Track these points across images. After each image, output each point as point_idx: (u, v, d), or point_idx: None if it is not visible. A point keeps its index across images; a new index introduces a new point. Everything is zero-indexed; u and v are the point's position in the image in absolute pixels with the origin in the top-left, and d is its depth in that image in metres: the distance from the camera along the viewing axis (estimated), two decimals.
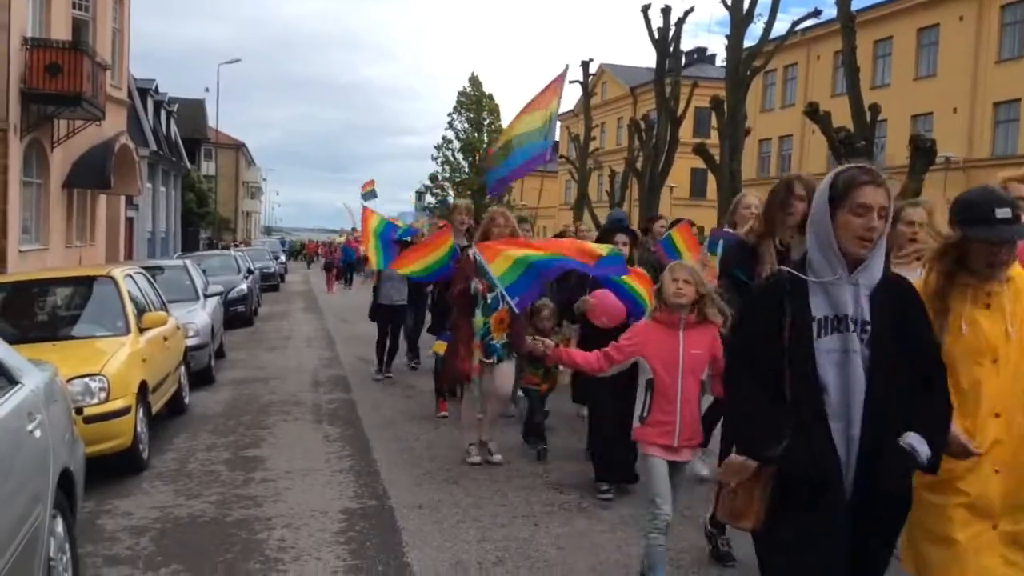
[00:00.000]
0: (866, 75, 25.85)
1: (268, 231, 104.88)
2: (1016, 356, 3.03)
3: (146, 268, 10.71)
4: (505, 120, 66.37)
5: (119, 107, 26.17)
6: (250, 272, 21.86)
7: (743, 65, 21.99)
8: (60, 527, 4.17)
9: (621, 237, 6.57)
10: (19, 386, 4.09)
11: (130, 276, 8.88)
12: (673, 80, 27.53)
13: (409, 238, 11.26)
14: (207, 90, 70.76)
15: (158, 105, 39.81)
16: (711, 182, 28.86)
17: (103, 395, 6.63)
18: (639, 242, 7.27)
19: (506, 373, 7.03)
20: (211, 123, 54.85)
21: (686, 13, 27.58)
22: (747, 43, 22.69)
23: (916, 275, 3.26)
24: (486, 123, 67.95)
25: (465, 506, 6.02)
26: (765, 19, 22.82)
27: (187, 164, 45.12)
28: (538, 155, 7.95)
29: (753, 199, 5.91)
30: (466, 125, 68.32)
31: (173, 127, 43.31)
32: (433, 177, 69.79)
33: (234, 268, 20.82)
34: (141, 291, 8.98)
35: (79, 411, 6.12)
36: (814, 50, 41.42)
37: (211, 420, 9.08)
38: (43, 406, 4.26)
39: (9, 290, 8.71)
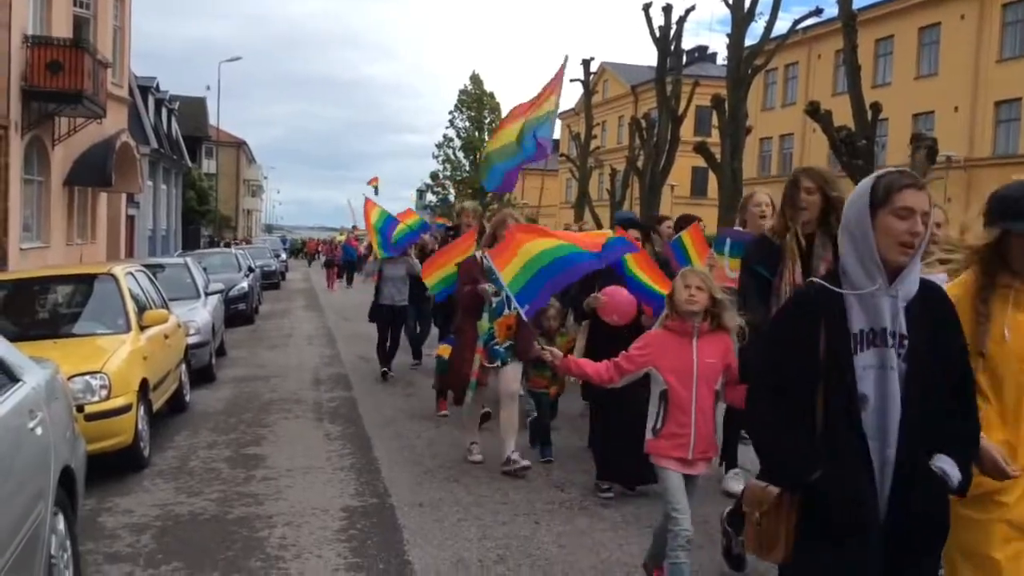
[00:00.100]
0: (867, 74, 25.84)
1: (269, 229, 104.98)
2: None
3: (147, 266, 10.71)
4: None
5: (120, 105, 26.17)
6: (251, 270, 21.87)
7: (744, 64, 21.96)
8: (61, 524, 4.17)
9: (633, 232, 6.51)
10: (20, 384, 4.09)
11: (131, 274, 8.88)
12: (674, 79, 27.51)
13: (422, 235, 11.28)
14: (208, 88, 70.67)
15: (159, 103, 39.82)
16: (712, 181, 28.82)
17: (104, 393, 6.63)
18: (650, 237, 7.12)
19: (510, 374, 6.90)
20: (212, 121, 54.89)
21: (687, 11, 27.55)
22: (748, 42, 22.66)
23: (940, 280, 3.07)
24: (487, 121, 67.91)
25: (466, 504, 6.02)
26: (766, 18, 22.80)
27: (188, 162, 45.14)
28: (535, 149, 7.95)
29: (763, 196, 5.83)
30: (467, 123, 68.34)
31: (174, 125, 43.32)
32: (434, 175, 69.83)
33: (235, 266, 20.84)
34: (142, 289, 8.98)
35: (80, 409, 6.12)
36: (815, 49, 41.39)
37: (212, 418, 9.08)
38: (44, 404, 4.26)
39: (10, 288, 8.71)
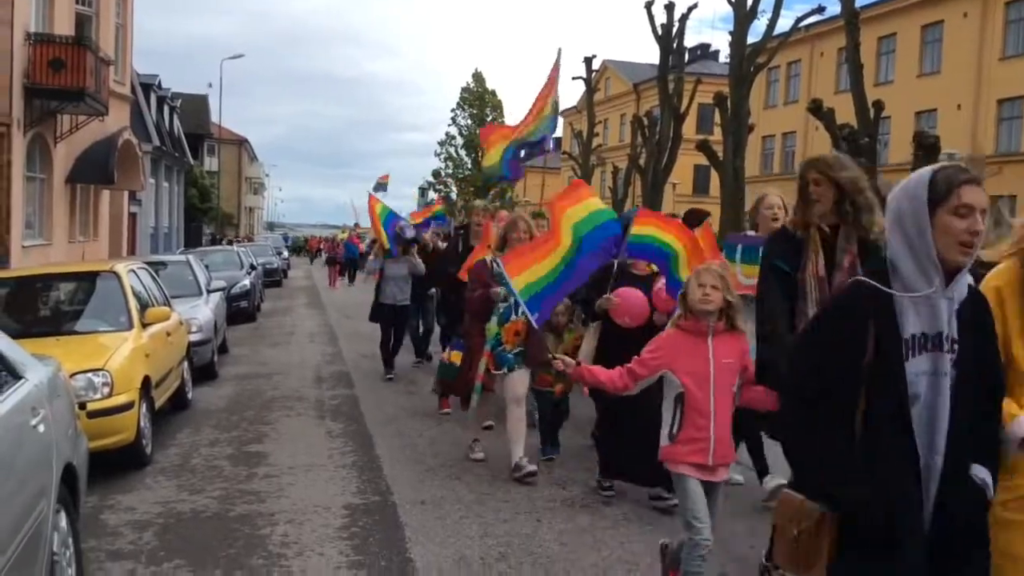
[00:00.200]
0: (870, 72, 25.84)
1: (271, 227, 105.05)
2: None
3: (149, 263, 10.72)
4: (508, 117, 66.40)
5: (122, 102, 26.17)
6: (253, 268, 21.88)
7: (746, 62, 21.95)
8: (63, 522, 4.17)
9: None
10: (23, 381, 4.10)
11: (133, 271, 8.88)
12: (676, 76, 27.51)
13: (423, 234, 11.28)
14: (210, 85, 70.47)
15: (161, 100, 39.86)
16: (714, 179, 28.83)
17: (106, 390, 6.63)
18: None
19: (517, 379, 6.72)
20: (214, 119, 54.91)
21: (689, 9, 27.55)
22: (750, 39, 22.67)
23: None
24: (489, 119, 67.93)
25: (468, 502, 6.02)
26: (769, 15, 22.85)
27: (190, 160, 45.20)
28: (539, 143, 7.97)
29: (775, 198, 5.67)
30: (469, 121, 68.39)
31: (176, 122, 43.37)
32: (436, 173, 69.93)
33: (237, 264, 20.85)
34: (144, 286, 8.98)
35: (82, 406, 6.11)
36: (818, 47, 41.34)
37: (214, 415, 9.09)
38: (46, 401, 4.26)
39: (12, 285, 8.71)
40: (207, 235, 48.35)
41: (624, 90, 59.80)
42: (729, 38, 22.78)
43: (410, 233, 11.02)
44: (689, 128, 30.58)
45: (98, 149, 23.13)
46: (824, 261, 4.09)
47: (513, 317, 6.64)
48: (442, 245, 11.47)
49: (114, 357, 6.98)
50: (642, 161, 29.74)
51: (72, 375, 5.99)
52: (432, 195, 68.27)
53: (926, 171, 2.48)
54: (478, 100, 68.64)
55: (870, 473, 2.35)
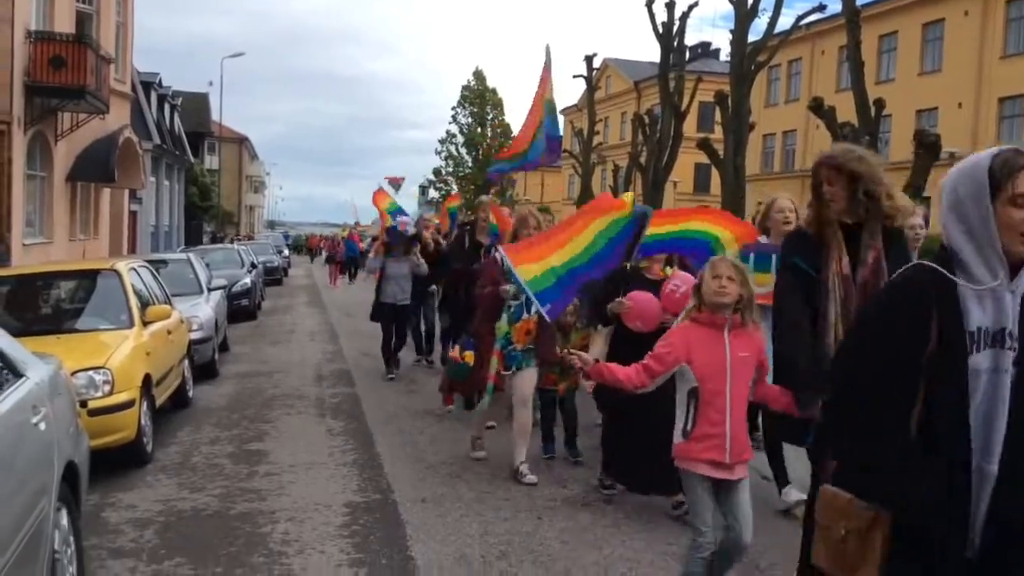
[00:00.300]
0: (871, 70, 25.82)
1: (271, 225, 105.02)
2: None
3: (150, 262, 10.72)
4: (508, 115, 66.49)
5: (123, 100, 26.17)
6: (253, 266, 21.88)
7: (747, 60, 21.91)
8: (65, 520, 4.17)
9: None
10: (24, 379, 4.10)
11: (134, 269, 8.89)
12: (677, 75, 27.46)
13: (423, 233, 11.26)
14: (211, 84, 70.60)
15: (162, 99, 39.84)
16: (715, 177, 28.80)
17: (107, 388, 6.64)
18: None
19: (526, 379, 6.62)
20: (215, 117, 54.90)
21: (690, 8, 27.49)
22: (751, 38, 22.61)
23: None
24: (489, 117, 68.00)
25: (468, 500, 6.02)
26: (769, 14, 22.75)
27: (190, 158, 45.18)
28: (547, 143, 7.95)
29: (786, 201, 5.57)
30: (469, 119, 68.40)
31: (177, 121, 43.36)
32: (437, 171, 69.94)
33: (238, 262, 20.84)
34: (145, 285, 8.98)
35: (83, 404, 6.12)
36: (819, 45, 41.31)
37: (215, 414, 9.09)
38: (47, 399, 4.26)
39: (13, 283, 8.72)
40: (208, 233, 48.32)
41: (625, 88, 59.76)
42: (730, 36, 22.74)
43: (411, 231, 11.02)
44: (690, 126, 30.53)
45: (99, 147, 23.13)
46: (848, 259, 3.89)
47: (524, 316, 6.53)
48: (443, 242, 11.47)
49: (115, 355, 6.98)
50: (643, 159, 29.70)
51: (73, 373, 5.99)
52: (433, 193, 68.34)
53: (984, 155, 2.32)
54: (479, 98, 68.63)
55: (927, 475, 2.19)
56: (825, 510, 2.41)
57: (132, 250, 29.64)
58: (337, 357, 13.29)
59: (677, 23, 27.67)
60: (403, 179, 22.71)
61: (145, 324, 7.97)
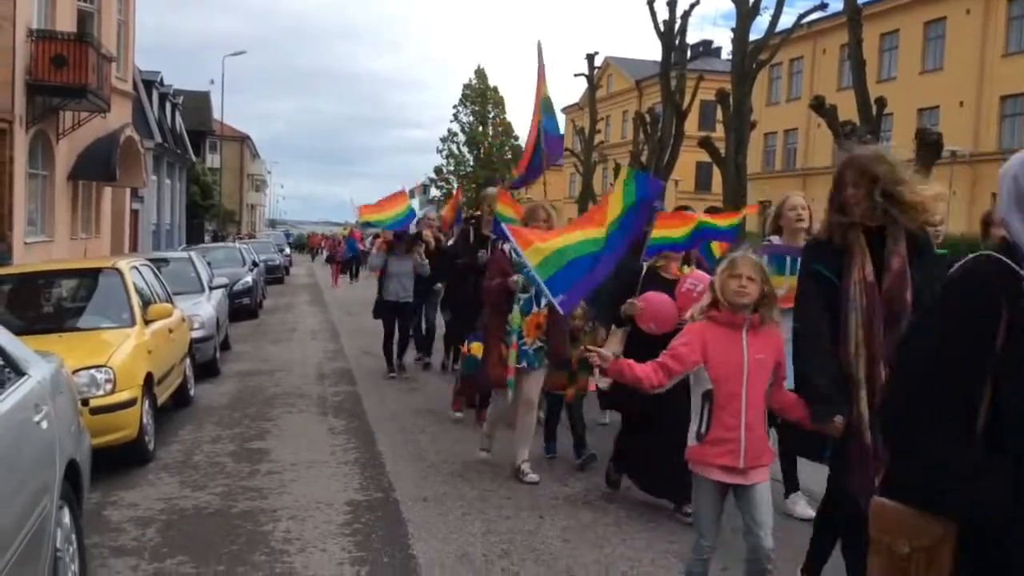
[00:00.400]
0: (872, 68, 25.76)
1: (273, 224, 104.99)
2: None
3: (151, 260, 10.73)
4: (510, 113, 66.49)
5: (124, 99, 26.19)
6: (255, 265, 21.90)
7: (749, 58, 21.89)
8: (67, 518, 4.18)
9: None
10: (26, 377, 4.10)
11: (135, 268, 8.89)
12: (679, 73, 27.43)
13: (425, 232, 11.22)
14: (212, 82, 70.71)
15: (163, 97, 39.85)
16: (716, 176, 28.80)
17: (109, 387, 6.65)
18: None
19: (533, 380, 6.49)
20: (216, 115, 54.91)
21: (692, 6, 27.45)
22: (753, 36, 22.59)
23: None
24: (491, 116, 68.00)
25: (470, 499, 6.02)
26: (771, 12, 22.74)
27: (192, 156, 45.18)
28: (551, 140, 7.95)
29: (798, 199, 5.45)
30: (471, 118, 68.38)
31: (178, 119, 43.36)
32: (438, 170, 69.90)
33: (239, 260, 20.86)
34: (146, 283, 8.99)
35: (85, 402, 6.13)
36: (820, 43, 41.30)
37: (216, 412, 9.10)
38: (49, 397, 4.27)
39: (15, 282, 8.73)
40: (209, 232, 48.34)
41: (626, 87, 59.75)
42: (731, 35, 22.72)
43: (413, 230, 11.02)
44: (691, 125, 30.47)
45: (100, 146, 23.15)
46: (871, 266, 3.73)
47: (535, 309, 6.38)
48: (443, 240, 11.45)
49: (117, 354, 6.99)
50: (644, 158, 29.67)
51: (75, 371, 6.00)
52: (434, 192, 68.31)
53: None
54: (480, 96, 68.61)
55: (996, 474, 2.01)
56: (883, 525, 2.19)
57: (133, 249, 29.65)
58: (338, 356, 13.29)
59: (679, 21, 27.64)
60: (423, 187, 22.61)
61: (147, 323, 7.98)
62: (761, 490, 3.86)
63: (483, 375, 6.71)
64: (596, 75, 39.44)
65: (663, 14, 27.73)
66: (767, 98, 45.11)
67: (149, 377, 7.34)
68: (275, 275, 30.86)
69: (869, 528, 2.25)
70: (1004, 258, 2.10)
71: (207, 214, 49.93)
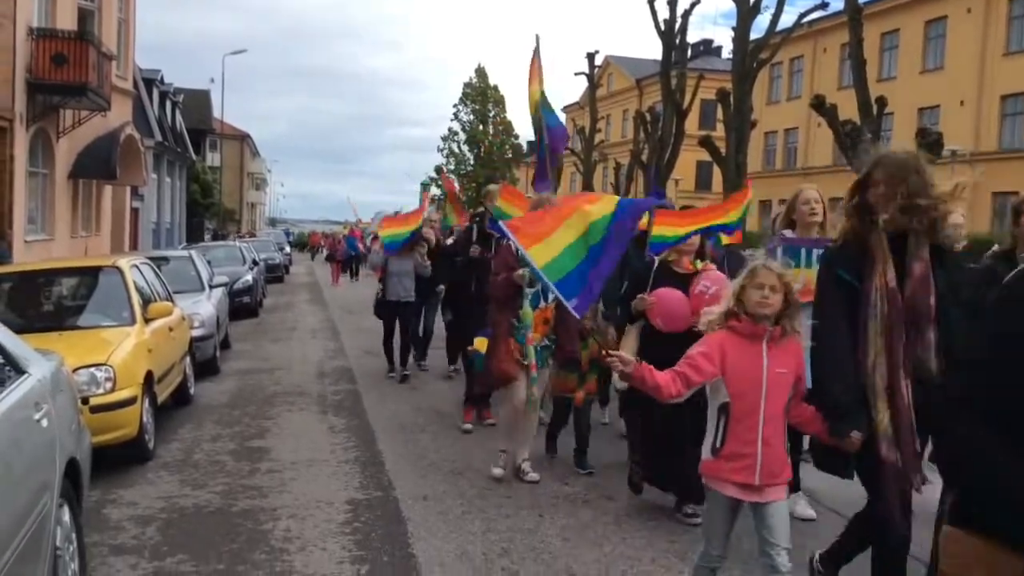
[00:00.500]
0: (873, 68, 25.75)
1: (273, 222, 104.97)
2: None
3: (151, 259, 10.74)
4: (510, 112, 66.53)
5: (124, 97, 26.18)
6: (255, 263, 21.89)
7: (749, 57, 21.88)
8: (67, 516, 4.18)
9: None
10: (26, 376, 4.10)
11: (136, 267, 8.89)
12: (679, 72, 27.42)
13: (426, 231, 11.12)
14: (212, 81, 70.61)
15: (163, 96, 39.85)
16: (716, 175, 28.80)
17: (109, 385, 6.65)
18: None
19: (538, 379, 6.30)
20: (216, 114, 54.93)
21: (692, 5, 27.42)
22: (753, 35, 22.57)
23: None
24: (491, 115, 67.97)
25: (470, 497, 6.02)
26: (772, 11, 22.73)
27: (192, 155, 45.18)
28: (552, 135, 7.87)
29: (812, 192, 5.36)
30: (471, 117, 68.36)
31: (178, 118, 43.35)
32: (438, 169, 69.82)
33: (239, 259, 20.85)
34: (147, 281, 8.99)
35: (85, 401, 6.14)
36: (820, 42, 41.27)
37: (216, 411, 9.10)
38: (50, 396, 4.27)
39: (15, 280, 8.73)
40: (209, 231, 48.33)
41: (626, 86, 59.72)
42: (732, 34, 22.71)
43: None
44: (691, 124, 30.47)
45: (100, 144, 23.15)
46: (894, 271, 3.61)
47: (542, 304, 6.21)
48: (443, 239, 11.41)
49: (117, 352, 6.99)
50: (644, 157, 29.66)
51: (75, 370, 6.00)
52: (434, 190, 68.26)
53: None
54: (481, 95, 68.56)
55: None
56: (957, 560, 2.04)
57: (134, 247, 29.66)
58: (339, 354, 13.29)
59: (679, 20, 27.63)
60: (451, 182, 22.28)
61: (147, 321, 7.98)
62: (778, 508, 3.68)
63: (487, 371, 6.52)
64: (596, 74, 39.44)
65: (664, 13, 27.73)
66: (767, 97, 45.10)
67: (149, 375, 7.34)
68: (275, 274, 30.86)
69: (939, 561, 2.08)
70: None
71: (207, 212, 49.94)
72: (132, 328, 7.69)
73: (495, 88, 69.09)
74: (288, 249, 47.23)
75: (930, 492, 3.55)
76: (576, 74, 38.76)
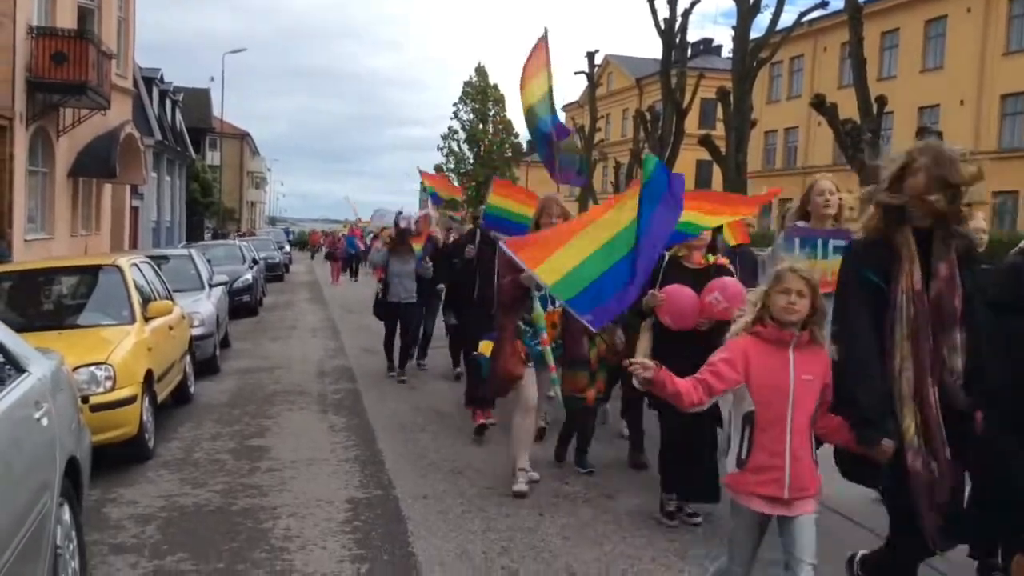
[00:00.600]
0: (873, 67, 25.75)
1: (273, 221, 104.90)
2: None
3: (151, 257, 10.73)
4: (510, 111, 66.50)
5: (124, 96, 26.17)
6: (255, 262, 21.88)
7: (749, 56, 21.88)
8: (67, 515, 4.18)
9: None
10: (26, 374, 4.10)
11: (136, 265, 8.89)
12: (679, 71, 27.42)
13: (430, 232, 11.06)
14: (212, 80, 70.62)
15: (163, 94, 39.84)
16: (716, 174, 28.78)
17: (109, 384, 6.64)
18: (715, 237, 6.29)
19: (540, 381, 6.20)
20: (216, 113, 54.90)
21: (692, 4, 27.43)
22: (753, 34, 22.58)
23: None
24: (491, 114, 67.91)
25: (470, 496, 6.02)
26: (772, 10, 22.73)
27: (192, 154, 45.17)
28: (550, 133, 7.83)
29: (827, 183, 5.27)
30: (471, 116, 68.30)
31: (178, 116, 43.33)
32: (438, 168, 69.76)
33: (239, 258, 20.85)
34: (147, 280, 8.99)
35: (85, 400, 6.13)
36: (821, 41, 41.27)
37: (216, 409, 9.10)
38: (50, 394, 4.27)
39: (15, 279, 8.73)
40: (209, 229, 48.30)
41: (626, 85, 59.69)
42: (732, 33, 22.71)
43: (404, 224, 10.93)
44: (691, 123, 30.46)
45: (100, 143, 23.15)
46: (920, 272, 3.49)
47: (549, 308, 6.05)
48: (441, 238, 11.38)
49: (116, 351, 6.99)
50: (644, 156, 29.69)
51: (75, 369, 6.00)
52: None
53: None
54: (480, 94, 68.47)
55: None
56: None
57: (133, 246, 29.64)
58: (339, 353, 13.29)
59: (679, 19, 27.62)
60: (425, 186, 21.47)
61: (147, 320, 7.97)
62: (805, 523, 3.52)
63: (493, 374, 6.29)
64: (596, 73, 39.45)
65: (664, 12, 27.73)
66: (767, 96, 45.09)
67: (149, 374, 7.34)
68: (275, 272, 30.84)
69: None
70: None
71: (207, 211, 49.93)
72: (132, 327, 7.69)
73: (495, 87, 69.00)
74: (288, 248, 47.22)
75: None
76: (576, 73, 38.79)
